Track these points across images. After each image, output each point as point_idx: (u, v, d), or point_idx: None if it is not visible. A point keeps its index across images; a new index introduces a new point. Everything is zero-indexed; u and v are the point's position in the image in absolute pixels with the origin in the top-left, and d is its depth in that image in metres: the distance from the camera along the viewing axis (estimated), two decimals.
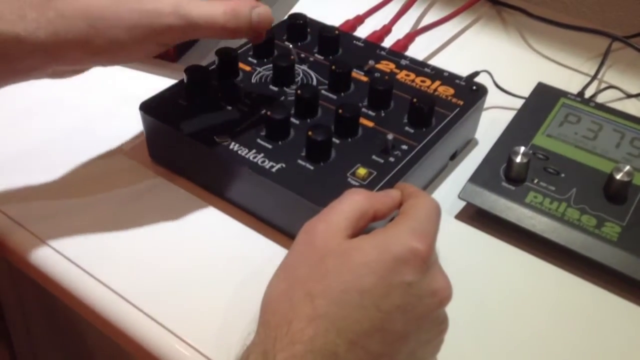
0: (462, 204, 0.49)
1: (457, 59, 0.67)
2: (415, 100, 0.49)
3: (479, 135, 0.56)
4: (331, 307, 0.31)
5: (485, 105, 0.56)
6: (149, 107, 0.49)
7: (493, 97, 0.59)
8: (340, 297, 0.32)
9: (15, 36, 0.38)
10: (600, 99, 0.62)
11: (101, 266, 0.43)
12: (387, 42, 0.62)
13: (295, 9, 0.73)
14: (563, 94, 0.55)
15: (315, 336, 0.31)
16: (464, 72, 0.57)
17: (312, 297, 0.32)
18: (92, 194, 0.49)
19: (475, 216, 0.49)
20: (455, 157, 0.54)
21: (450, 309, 0.35)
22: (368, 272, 0.32)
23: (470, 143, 0.56)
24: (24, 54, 0.39)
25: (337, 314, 0.31)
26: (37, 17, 0.38)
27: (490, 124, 0.56)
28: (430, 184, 0.52)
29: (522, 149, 0.47)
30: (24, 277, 0.48)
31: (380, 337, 0.32)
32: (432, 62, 0.66)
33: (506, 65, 0.66)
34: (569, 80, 0.64)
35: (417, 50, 0.64)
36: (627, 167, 0.46)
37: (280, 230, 0.46)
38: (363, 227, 0.36)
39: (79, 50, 0.39)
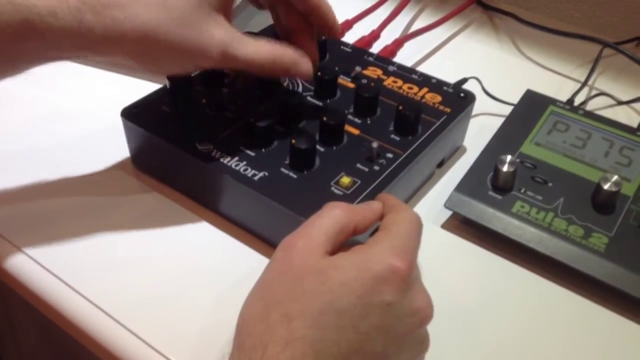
0: (449, 212, 0.49)
1: (447, 65, 0.66)
2: (401, 107, 0.48)
3: (467, 142, 0.56)
4: (308, 330, 0.30)
5: (475, 112, 0.56)
6: (130, 114, 0.48)
7: (482, 103, 0.58)
8: (318, 319, 0.31)
9: (67, 32, 0.37)
10: (590, 105, 0.61)
11: (78, 274, 0.43)
12: (376, 48, 0.62)
13: None
14: (552, 101, 0.55)
15: None
16: (453, 77, 0.57)
17: (289, 319, 0.31)
18: (71, 201, 0.48)
19: (462, 225, 0.48)
20: (442, 164, 0.53)
21: (435, 319, 0.35)
22: (346, 292, 0.31)
23: (458, 150, 0.55)
24: (73, 48, 0.39)
25: (314, 336, 0.30)
26: (93, 22, 0.38)
27: (479, 131, 0.56)
28: (417, 192, 0.51)
29: (509, 157, 0.47)
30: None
31: (359, 358, 0.31)
32: (422, 68, 0.65)
33: (496, 71, 0.65)
34: (559, 87, 0.64)
35: (406, 56, 0.63)
36: (615, 177, 0.45)
37: (263, 239, 0.45)
38: (343, 242, 0.35)
39: (125, 57, 0.40)
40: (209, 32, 0.40)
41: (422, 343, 0.34)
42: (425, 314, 0.33)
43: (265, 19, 0.66)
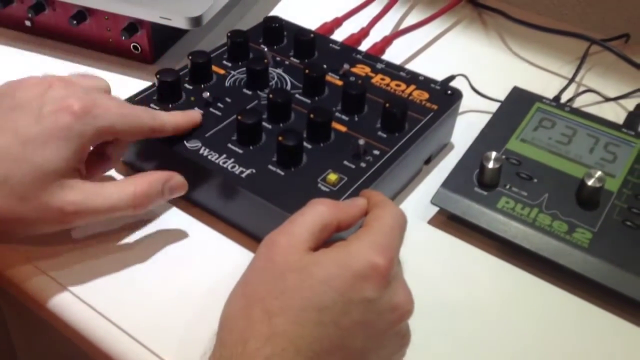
0: (436, 209, 0.49)
1: (436, 62, 0.66)
2: (387, 104, 0.48)
3: (455, 139, 0.56)
4: (289, 326, 0.31)
5: (462, 109, 0.56)
6: None
7: (470, 100, 0.59)
8: (299, 315, 0.31)
9: None
10: (578, 102, 0.62)
11: (66, 271, 0.43)
12: (365, 45, 0.62)
13: (276, 11, 0.72)
14: (538, 98, 0.55)
15: (272, 356, 0.30)
16: (442, 75, 0.57)
17: (270, 315, 0.31)
18: None
19: (448, 222, 0.49)
20: (430, 161, 0.54)
21: (421, 314, 0.35)
22: (327, 289, 0.32)
23: (446, 147, 0.56)
24: None
25: (295, 332, 0.31)
26: None
27: (467, 127, 0.56)
28: (405, 189, 0.51)
29: (494, 154, 0.47)
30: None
31: (340, 354, 0.31)
32: (411, 65, 0.65)
33: (485, 69, 0.66)
34: (547, 84, 0.64)
35: (395, 54, 0.63)
36: (599, 173, 0.46)
37: (251, 235, 0.46)
38: (326, 239, 0.35)
39: None
40: (58, 198, 0.39)
41: (403, 338, 0.35)
42: (405, 309, 0.33)
43: (259, 13, 0.67)
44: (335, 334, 0.31)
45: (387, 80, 0.54)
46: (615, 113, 0.61)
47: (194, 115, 0.48)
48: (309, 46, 0.56)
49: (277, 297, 0.32)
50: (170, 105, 0.49)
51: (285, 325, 0.31)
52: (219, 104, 0.50)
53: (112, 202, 0.40)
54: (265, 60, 0.53)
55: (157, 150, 0.47)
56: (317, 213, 0.35)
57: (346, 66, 0.54)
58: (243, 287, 0.34)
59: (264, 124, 0.48)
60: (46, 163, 0.38)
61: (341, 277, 0.32)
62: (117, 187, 0.41)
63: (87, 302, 0.41)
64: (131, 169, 0.51)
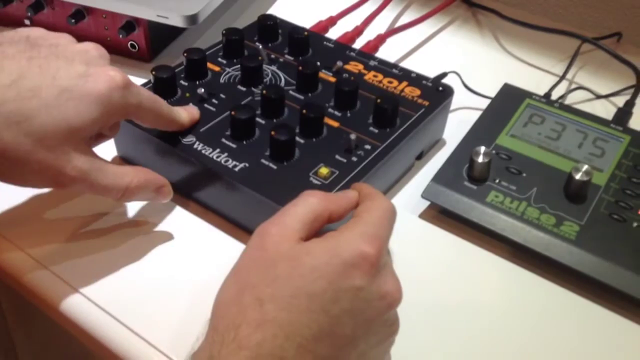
0: (427, 203, 0.50)
1: (430, 60, 0.67)
2: (379, 100, 0.49)
3: (447, 135, 0.57)
4: (280, 312, 0.32)
5: (455, 106, 0.57)
6: None
7: (463, 98, 0.60)
8: (290, 302, 0.32)
9: None
10: (569, 99, 0.62)
11: (63, 265, 0.44)
12: (359, 44, 0.63)
13: (272, 10, 0.73)
14: (528, 94, 0.56)
15: (263, 341, 0.31)
16: (435, 73, 0.58)
17: (262, 302, 0.32)
18: (57, 193, 0.49)
19: (439, 215, 0.49)
20: (422, 157, 0.54)
21: (411, 306, 0.36)
22: (317, 276, 0.32)
23: (438, 143, 0.56)
24: None
25: (285, 318, 0.31)
26: None
27: (459, 124, 0.57)
28: (396, 184, 0.52)
29: (483, 149, 0.48)
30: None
31: (329, 341, 0.32)
32: (404, 63, 0.66)
33: (478, 67, 0.67)
34: (539, 81, 0.65)
35: (389, 52, 0.64)
36: (586, 167, 0.47)
37: (244, 228, 0.47)
38: (317, 229, 0.36)
39: None
40: (68, 157, 0.39)
41: (392, 326, 0.35)
42: (393, 298, 0.34)
43: (256, 12, 0.67)
44: (325, 321, 0.32)
45: (380, 77, 0.55)
46: (606, 110, 0.62)
47: (194, 110, 0.49)
48: (302, 44, 0.57)
49: (269, 284, 0.32)
50: (166, 101, 0.50)
51: (276, 312, 0.31)
52: (214, 100, 0.51)
53: (107, 183, 0.41)
54: (260, 58, 0.53)
55: (152, 145, 0.48)
56: (308, 204, 0.36)
57: (339, 63, 0.55)
58: (235, 275, 0.34)
59: (258, 119, 0.49)
60: (75, 117, 0.39)
61: (331, 265, 0.33)
62: (116, 172, 0.42)
63: (86, 295, 0.42)
64: (126, 163, 0.51)
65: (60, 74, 0.39)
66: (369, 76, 0.55)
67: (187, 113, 0.48)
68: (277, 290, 0.32)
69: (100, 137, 0.47)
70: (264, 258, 0.34)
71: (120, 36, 0.61)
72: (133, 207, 0.48)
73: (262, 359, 0.30)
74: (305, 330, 0.32)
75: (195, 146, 0.47)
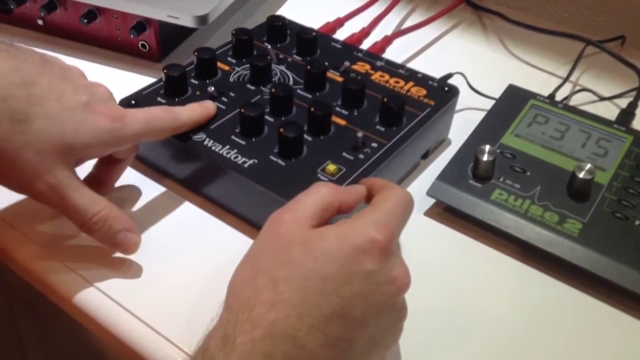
0: (432, 201, 0.51)
1: (435, 62, 0.68)
2: (385, 99, 0.50)
3: (452, 135, 0.58)
4: (293, 293, 0.33)
5: (460, 107, 0.58)
6: (127, 104, 0.50)
7: (468, 98, 0.61)
8: (303, 284, 0.33)
9: None
10: (573, 101, 0.63)
11: (76, 257, 0.45)
12: (366, 45, 0.64)
13: (281, 11, 0.74)
14: (533, 95, 0.57)
15: (276, 320, 0.32)
16: (441, 74, 0.59)
17: (276, 283, 0.33)
18: None
19: (444, 213, 0.50)
20: (427, 156, 0.55)
21: (417, 302, 0.37)
22: (330, 260, 0.33)
23: (443, 143, 0.57)
24: None
25: (298, 299, 0.32)
26: None
27: (464, 124, 0.58)
28: (402, 182, 0.53)
29: (488, 147, 0.49)
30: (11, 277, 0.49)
31: (340, 322, 0.33)
32: (410, 64, 0.67)
33: (483, 68, 0.67)
34: (544, 83, 0.66)
35: (395, 53, 0.65)
36: (589, 166, 0.47)
37: (253, 224, 0.48)
38: (328, 219, 0.37)
39: None
40: (51, 166, 0.40)
41: (400, 311, 0.36)
42: (402, 282, 0.35)
43: (265, 14, 0.68)
44: (337, 302, 0.33)
45: (387, 77, 0.56)
46: (609, 112, 0.63)
47: (210, 105, 0.50)
48: (311, 44, 0.58)
49: (283, 267, 0.33)
50: (176, 99, 0.51)
51: (290, 293, 0.32)
52: (223, 98, 0.52)
53: (78, 203, 0.41)
54: (269, 57, 0.54)
55: (163, 142, 0.49)
56: (320, 194, 0.37)
57: (347, 63, 0.56)
58: (250, 258, 0.36)
59: (267, 117, 0.50)
60: (71, 135, 0.40)
61: (343, 250, 0.34)
62: (91, 197, 0.42)
63: (100, 288, 0.43)
64: (136, 160, 0.52)
65: (66, 95, 0.41)
66: (376, 76, 0.56)
67: (195, 112, 0.49)
68: (290, 272, 0.33)
69: (118, 162, 0.48)
70: (277, 242, 0.35)
71: (131, 36, 0.62)
72: (143, 203, 0.49)
73: (274, 337, 0.31)
74: (317, 310, 0.33)
75: (205, 143, 0.48)
